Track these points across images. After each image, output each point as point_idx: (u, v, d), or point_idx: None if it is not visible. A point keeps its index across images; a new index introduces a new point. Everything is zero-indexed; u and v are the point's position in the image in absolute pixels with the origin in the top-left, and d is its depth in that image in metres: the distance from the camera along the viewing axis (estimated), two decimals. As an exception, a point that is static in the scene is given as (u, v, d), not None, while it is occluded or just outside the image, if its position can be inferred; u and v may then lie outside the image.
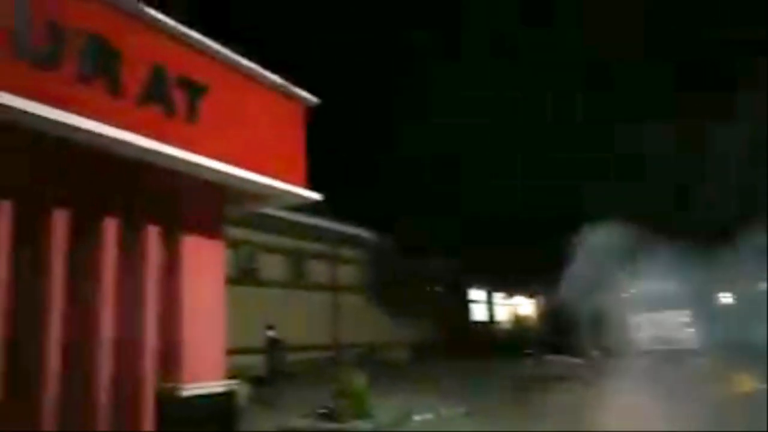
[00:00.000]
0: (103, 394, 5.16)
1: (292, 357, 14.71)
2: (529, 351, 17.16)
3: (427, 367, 18.82)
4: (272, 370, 11.79)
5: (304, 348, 16.15)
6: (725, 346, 16.47)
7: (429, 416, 10.12)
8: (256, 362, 12.42)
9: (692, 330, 17.28)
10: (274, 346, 12.53)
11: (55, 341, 4.86)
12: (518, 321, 35.81)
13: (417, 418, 9.99)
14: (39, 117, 4.25)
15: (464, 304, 30.37)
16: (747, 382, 11.63)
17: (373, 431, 9.36)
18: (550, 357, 17.52)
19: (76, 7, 4.64)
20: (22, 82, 4.18)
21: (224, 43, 5.96)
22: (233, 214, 7.20)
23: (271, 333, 12.67)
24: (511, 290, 36.41)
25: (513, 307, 37.99)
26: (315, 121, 7.25)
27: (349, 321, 18.81)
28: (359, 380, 10.17)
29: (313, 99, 7.13)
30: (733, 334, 16.84)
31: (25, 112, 4.18)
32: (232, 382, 6.48)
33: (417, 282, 22.01)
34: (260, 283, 15.38)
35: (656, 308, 17.11)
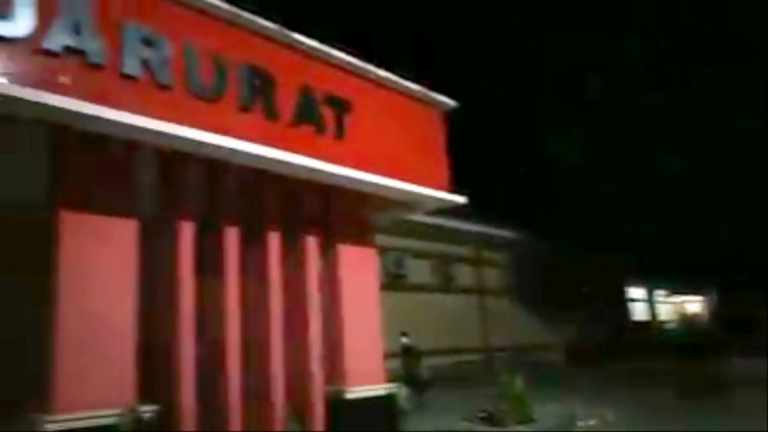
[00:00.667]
0: (277, 396, 5.58)
1: (439, 361, 14.84)
2: (706, 350, 15.74)
3: (585, 370, 17.94)
4: (409, 375, 11.96)
5: (451, 352, 16.18)
6: None
7: (592, 422, 9.65)
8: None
9: None
10: (407, 353, 12.75)
11: (234, 346, 5.36)
12: (685, 320, 33.06)
13: (581, 423, 9.57)
14: (209, 145, 4.76)
15: (622, 302, 28.68)
16: None
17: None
18: (736, 359, 15.91)
19: (234, 40, 5.13)
20: (193, 115, 4.70)
21: (366, 52, 6.27)
22: (382, 221, 7.48)
23: (404, 340, 12.91)
24: (675, 288, 33.79)
25: (678, 306, 35.22)
26: (460, 123, 7.35)
27: (496, 324, 18.50)
28: (519, 383, 9.98)
29: (451, 103, 7.22)
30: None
31: (201, 143, 4.69)
32: (393, 384, 6.71)
33: (568, 282, 21.11)
34: (408, 288, 15.68)
35: None
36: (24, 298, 4.67)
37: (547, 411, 10.06)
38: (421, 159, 6.77)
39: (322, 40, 5.77)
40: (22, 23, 3.85)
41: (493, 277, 19.85)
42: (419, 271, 16.74)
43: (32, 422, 4.07)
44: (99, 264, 4.48)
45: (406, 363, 12.48)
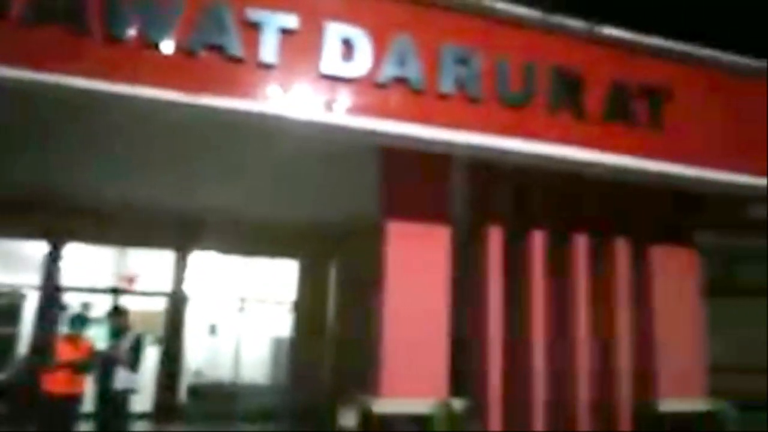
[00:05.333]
0: (582, 404, 5.69)
1: None
2: None
3: None
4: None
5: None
6: None
7: None
8: (746, 384, 11.44)
9: None
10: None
11: (537, 351, 5.62)
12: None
13: None
14: (515, 152, 5.07)
15: None
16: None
17: None
18: None
19: (540, 43, 5.29)
20: (502, 124, 5.03)
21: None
22: (710, 219, 6.91)
23: None
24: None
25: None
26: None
27: None
28: None
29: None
30: None
31: (507, 150, 5.03)
32: (718, 402, 6.24)
33: None
34: (741, 293, 14.03)
35: None
36: (365, 299, 5.64)
37: None
38: (755, 144, 6.04)
39: (638, 30, 5.57)
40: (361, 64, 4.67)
41: None
42: (755, 274, 14.79)
43: (365, 403, 4.94)
44: (418, 265, 5.17)
45: None
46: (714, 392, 6.30)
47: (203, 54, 4.30)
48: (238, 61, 4.36)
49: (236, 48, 4.36)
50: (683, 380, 6.07)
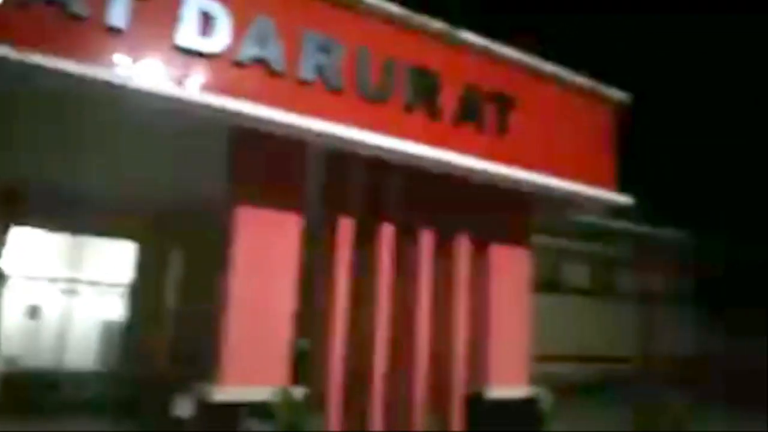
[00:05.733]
0: (419, 392, 5.94)
1: (598, 369, 14.56)
2: None
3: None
4: None
5: (610, 360, 15.79)
6: None
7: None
8: (563, 371, 12.65)
9: None
10: None
11: (381, 341, 5.77)
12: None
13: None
14: (371, 145, 5.13)
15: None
16: None
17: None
18: None
19: (401, 41, 5.40)
20: (360, 116, 5.07)
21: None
22: (538, 221, 7.49)
23: None
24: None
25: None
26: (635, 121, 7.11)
27: (663, 333, 17.65)
28: (673, 397, 9.61)
29: (623, 96, 6.97)
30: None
31: (363, 143, 5.08)
32: (536, 388, 6.82)
33: (736, 286, 19.37)
34: (564, 291, 15.48)
35: None
36: (208, 285, 5.41)
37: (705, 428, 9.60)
38: (587, 156, 6.66)
39: (491, 36, 5.87)
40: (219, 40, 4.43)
41: (661, 283, 18.84)
42: (575, 274, 16.40)
43: (202, 391, 4.78)
44: (267, 255, 5.07)
45: None
46: (536, 379, 6.90)
47: (38, 6, 3.87)
48: (79, 19, 3.98)
49: (78, 4, 3.97)
50: (510, 368, 6.56)
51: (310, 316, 5.60)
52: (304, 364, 5.48)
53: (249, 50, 4.55)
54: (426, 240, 6.16)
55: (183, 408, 5.00)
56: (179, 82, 4.28)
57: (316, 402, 5.31)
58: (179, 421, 5.04)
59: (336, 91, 4.95)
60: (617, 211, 9.25)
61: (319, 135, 4.88)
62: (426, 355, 6.04)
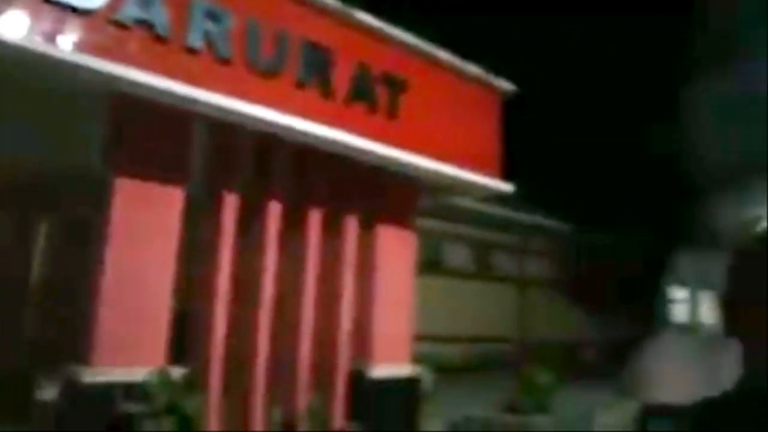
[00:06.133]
0: (303, 369, 5.93)
1: (477, 349, 15.21)
2: None
3: (620, 367, 17.97)
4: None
5: (489, 340, 16.53)
6: None
7: (612, 417, 9.86)
8: (441, 351, 13.05)
9: None
10: None
11: (266, 318, 5.69)
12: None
13: (599, 418, 9.80)
14: (261, 120, 5.01)
15: (660, 303, 28.28)
16: None
17: (551, 428, 9.40)
18: None
19: (294, 14, 5.29)
20: (250, 89, 4.93)
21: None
22: (424, 204, 7.67)
23: None
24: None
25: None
26: (517, 108, 7.42)
27: (535, 315, 18.74)
28: (544, 375, 10.23)
29: (510, 87, 7.25)
30: None
31: (253, 117, 4.94)
32: (418, 367, 7.02)
33: (613, 279, 20.94)
34: (447, 273, 15.97)
35: None
36: (78, 259, 5.07)
37: (569, 404, 10.30)
38: (474, 143, 6.89)
39: (386, 18, 5.88)
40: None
41: (539, 267, 19.94)
42: (457, 256, 16.98)
43: (70, 373, 4.50)
44: (145, 228, 4.82)
45: None
46: (418, 358, 7.10)
47: None
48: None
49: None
50: (393, 348, 6.70)
51: (192, 292, 5.41)
52: (185, 343, 5.30)
53: (130, 10, 4.26)
54: (314, 219, 6.12)
55: (47, 390, 4.68)
56: (50, 38, 3.94)
57: (196, 382, 5.15)
58: (44, 405, 4.72)
59: (224, 60, 4.77)
60: (501, 198, 9.65)
61: (205, 106, 4.68)
62: (310, 334, 6.03)
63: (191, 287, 5.38)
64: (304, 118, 5.22)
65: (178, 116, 4.86)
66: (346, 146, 5.57)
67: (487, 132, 7.12)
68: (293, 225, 6.03)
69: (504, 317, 17.77)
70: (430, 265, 15.06)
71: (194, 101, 4.62)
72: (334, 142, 5.48)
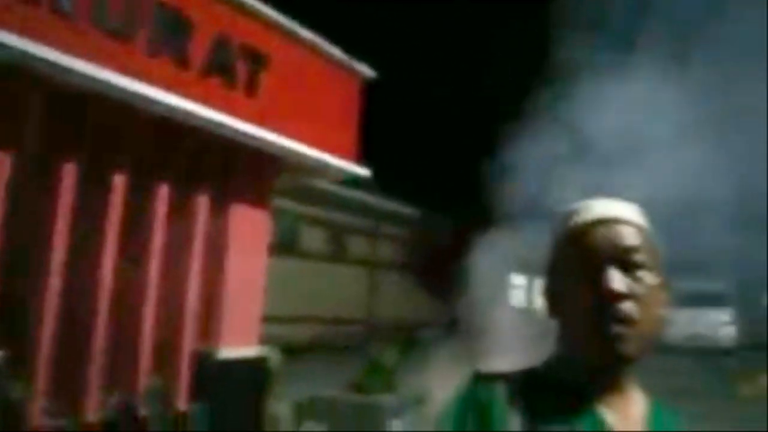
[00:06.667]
0: (142, 350, 5.62)
1: (329, 330, 15.37)
2: None
3: (462, 347, 19.12)
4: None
5: (339, 321, 16.78)
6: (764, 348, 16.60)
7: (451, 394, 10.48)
8: (292, 332, 13.03)
9: (731, 329, 17.31)
10: None
11: (103, 297, 5.30)
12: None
13: (440, 395, 10.37)
14: (107, 84, 4.63)
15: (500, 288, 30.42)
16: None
17: (395, 406, 9.79)
18: None
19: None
20: (95, 50, 4.53)
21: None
22: (280, 185, 7.57)
23: None
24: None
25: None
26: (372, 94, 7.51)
27: (387, 298, 19.34)
28: (389, 356, 10.60)
29: (370, 73, 7.35)
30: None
31: (95, 79, 4.55)
32: (267, 348, 6.95)
33: (453, 263, 22.17)
34: (300, 254, 15.94)
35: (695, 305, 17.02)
36: None
37: (413, 383, 10.79)
38: (333, 126, 6.90)
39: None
40: None
41: (391, 251, 20.52)
42: (313, 239, 17.02)
43: None
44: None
45: None
46: (267, 339, 7.02)
47: None
48: None
49: None
50: (242, 329, 6.58)
51: (20, 269, 4.90)
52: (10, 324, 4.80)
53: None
54: (162, 193, 5.79)
55: None
56: None
57: (23, 365, 4.69)
58: None
59: (66, 15, 4.33)
60: (357, 182, 9.78)
61: (38, 61, 4.21)
62: (153, 314, 5.73)
63: (19, 263, 4.87)
64: (155, 86, 4.90)
65: (4, 73, 4.35)
66: (200, 119, 5.32)
67: (347, 115, 7.17)
68: (138, 199, 5.66)
69: (355, 299, 18.15)
70: (284, 246, 14.97)
71: (25, 54, 4.14)
72: (186, 113, 5.20)
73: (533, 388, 0.98)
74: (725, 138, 8.05)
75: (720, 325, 17.04)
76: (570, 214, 1.09)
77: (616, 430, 0.95)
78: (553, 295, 1.07)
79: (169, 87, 5.00)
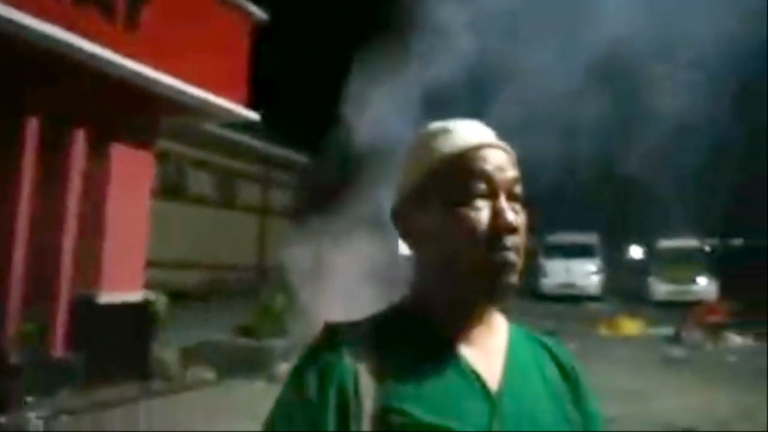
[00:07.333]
0: (14, 295, 5.35)
1: (218, 275, 15.14)
2: None
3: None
4: None
5: (229, 267, 16.56)
6: (626, 295, 18.42)
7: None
8: (180, 277, 12.75)
9: (598, 278, 18.91)
10: None
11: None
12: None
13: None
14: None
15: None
16: (634, 327, 13.15)
17: (284, 349, 9.95)
18: None
19: None
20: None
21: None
22: (166, 125, 7.29)
23: None
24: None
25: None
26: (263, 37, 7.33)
27: (276, 244, 19.22)
28: (280, 301, 10.65)
29: (262, 14, 7.15)
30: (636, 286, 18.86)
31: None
32: (153, 294, 6.81)
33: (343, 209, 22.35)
34: (187, 199, 15.45)
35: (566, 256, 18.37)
36: None
37: (303, 325, 10.94)
38: (222, 67, 6.69)
39: None
40: None
41: (278, 197, 20.30)
42: (201, 183, 16.52)
43: None
44: None
45: None
46: (153, 284, 6.87)
47: None
48: None
49: None
50: (125, 273, 6.39)
51: None
52: None
53: None
54: (37, 131, 5.43)
55: None
56: None
57: None
58: None
59: None
60: (246, 125, 9.58)
61: None
62: (27, 258, 5.44)
63: None
64: (25, 11, 4.53)
65: None
66: (72, 49, 4.97)
67: (236, 57, 6.97)
68: (8, 135, 5.28)
69: (246, 245, 17.94)
70: (171, 190, 14.44)
71: None
72: (57, 42, 4.84)
73: (387, 339, 0.88)
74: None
75: (588, 274, 18.42)
76: (439, 134, 0.94)
77: (476, 366, 0.89)
78: (413, 222, 0.94)
79: (39, 13, 4.63)
